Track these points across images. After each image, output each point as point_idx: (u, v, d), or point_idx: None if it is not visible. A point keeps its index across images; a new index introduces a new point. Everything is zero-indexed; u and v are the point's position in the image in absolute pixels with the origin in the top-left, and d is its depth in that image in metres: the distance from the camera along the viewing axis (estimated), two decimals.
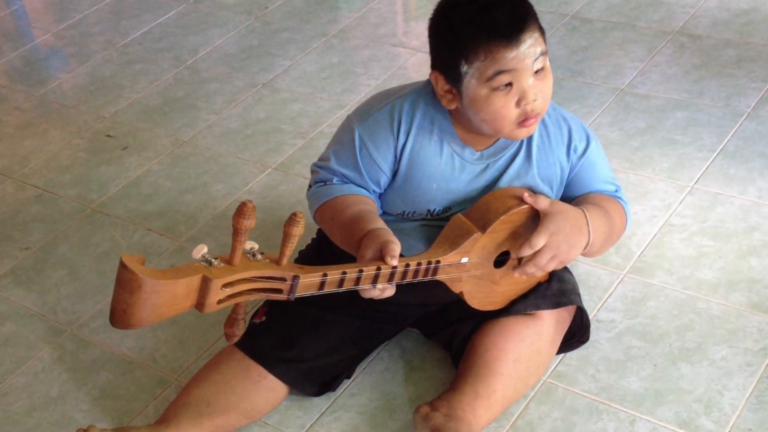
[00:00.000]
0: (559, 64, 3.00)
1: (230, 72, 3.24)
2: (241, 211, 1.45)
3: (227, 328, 1.58)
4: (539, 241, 1.79)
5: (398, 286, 1.77)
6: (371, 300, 1.88)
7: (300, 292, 1.60)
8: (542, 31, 1.78)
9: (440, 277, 1.79)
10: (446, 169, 1.88)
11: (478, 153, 1.89)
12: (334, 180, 1.91)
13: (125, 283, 1.43)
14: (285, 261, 1.55)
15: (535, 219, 1.82)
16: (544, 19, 3.20)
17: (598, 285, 2.19)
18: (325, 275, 1.62)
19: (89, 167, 2.85)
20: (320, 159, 1.97)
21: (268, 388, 1.93)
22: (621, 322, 2.10)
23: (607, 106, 2.80)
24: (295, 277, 1.57)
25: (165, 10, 3.69)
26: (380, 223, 1.81)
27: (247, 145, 2.85)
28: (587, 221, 1.85)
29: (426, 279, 1.77)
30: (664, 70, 2.93)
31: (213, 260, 1.49)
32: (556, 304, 1.96)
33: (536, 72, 1.76)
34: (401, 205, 1.93)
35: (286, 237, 1.52)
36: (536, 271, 1.84)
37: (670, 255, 2.26)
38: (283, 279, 1.56)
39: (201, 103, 3.09)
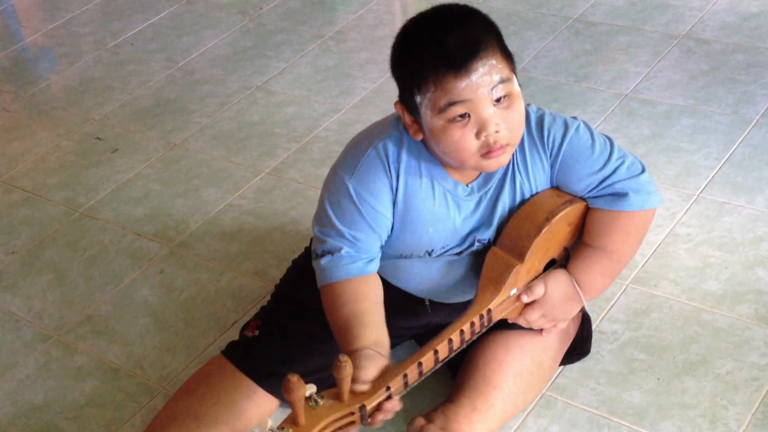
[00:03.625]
0: (561, 69, 2.99)
1: (223, 74, 3.21)
2: (285, 387, 1.48)
3: None
4: (533, 316, 1.85)
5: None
6: None
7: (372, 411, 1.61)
8: (506, 55, 1.68)
9: (497, 318, 1.82)
10: (441, 210, 1.80)
11: (469, 187, 1.81)
12: (343, 251, 1.79)
13: None
14: (346, 396, 1.56)
15: (570, 219, 1.83)
16: (546, 22, 3.23)
17: (600, 296, 2.14)
18: (389, 388, 1.61)
19: (78, 170, 2.82)
20: (320, 223, 1.84)
21: (259, 404, 1.89)
22: (623, 334, 2.08)
23: (611, 112, 2.77)
24: (362, 407, 1.57)
25: (157, 10, 3.67)
26: (367, 335, 1.71)
27: (240, 148, 2.82)
28: (578, 292, 1.88)
29: (485, 330, 1.81)
30: (670, 75, 2.91)
31: (281, 431, 1.50)
32: None
33: (498, 100, 1.65)
34: (399, 249, 1.86)
35: (338, 381, 1.54)
36: (525, 324, 1.87)
37: (674, 265, 2.23)
38: (351, 413, 1.57)
39: (193, 106, 3.06)
